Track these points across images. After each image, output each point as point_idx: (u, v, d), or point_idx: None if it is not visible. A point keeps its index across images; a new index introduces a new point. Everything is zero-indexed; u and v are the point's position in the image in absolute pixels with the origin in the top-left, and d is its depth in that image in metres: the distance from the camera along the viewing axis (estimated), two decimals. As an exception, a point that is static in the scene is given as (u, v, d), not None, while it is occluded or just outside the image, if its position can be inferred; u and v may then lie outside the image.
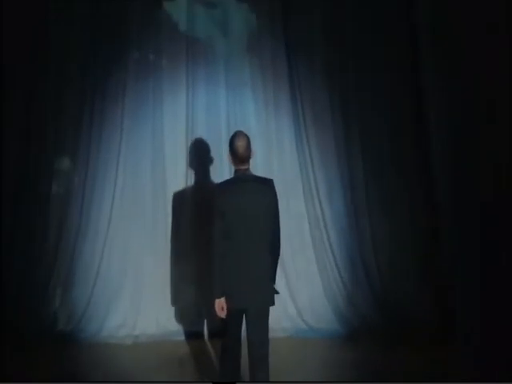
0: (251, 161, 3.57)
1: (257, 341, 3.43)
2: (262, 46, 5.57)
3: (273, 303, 3.51)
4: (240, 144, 3.52)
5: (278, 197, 5.07)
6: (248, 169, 3.56)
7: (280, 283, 5.10)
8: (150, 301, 5.28)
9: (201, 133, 5.45)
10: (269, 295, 3.50)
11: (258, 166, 5.06)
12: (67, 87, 5.48)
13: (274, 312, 4.89)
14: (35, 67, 5.42)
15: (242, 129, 5.19)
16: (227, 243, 3.42)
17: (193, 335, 5.26)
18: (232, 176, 3.63)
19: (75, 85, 5.49)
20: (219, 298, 3.42)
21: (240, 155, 3.52)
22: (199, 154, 5.37)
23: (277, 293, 3.62)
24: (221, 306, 3.42)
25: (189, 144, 5.45)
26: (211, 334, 5.20)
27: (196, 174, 5.39)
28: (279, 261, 5.02)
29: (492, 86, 4.76)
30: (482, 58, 4.84)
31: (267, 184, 3.59)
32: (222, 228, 3.43)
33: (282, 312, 5.18)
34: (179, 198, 5.40)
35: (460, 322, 4.81)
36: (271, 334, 4.71)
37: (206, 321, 5.27)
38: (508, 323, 4.35)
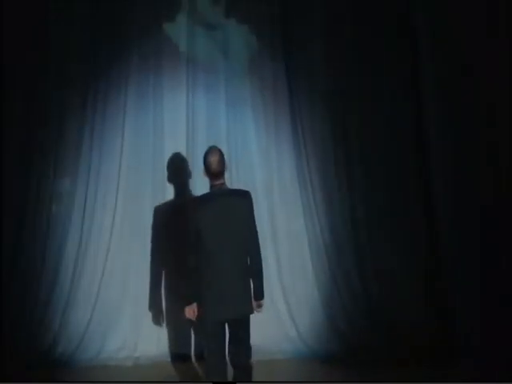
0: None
1: (239, 349, 3.53)
2: (262, 67, 5.47)
3: (252, 311, 3.58)
4: (213, 159, 3.54)
5: (278, 220, 5.25)
6: (224, 183, 3.59)
7: (281, 307, 5.18)
8: (151, 322, 5.16)
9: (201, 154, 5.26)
10: (248, 305, 3.56)
11: (258, 188, 5.07)
12: (67, 87, 5.40)
13: (274, 335, 5.07)
14: (35, 67, 5.35)
15: (243, 149, 5.29)
16: (203, 257, 3.48)
17: (181, 357, 5.14)
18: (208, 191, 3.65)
19: (75, 85, 5.40)
20: (188, 305, 3.55)
21: (213, 170, 3.54)
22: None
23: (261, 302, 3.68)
24: (192, 310, 3.55)
25: (189, 160, 5.29)
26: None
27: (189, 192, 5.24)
28: (279, 283, 5.19)
29: (492, 90, 4.82)
30: (482, 61, 4.90)
31: (243, 196, 3.62)
32: (195, 243, 3.50)
33: (282, 335, 5.15)
34: (162, 214, 5.24)
35: (460, 322, 4.90)
36: (272, 357, 4.93)
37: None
38: (508, 323, 4.44)
